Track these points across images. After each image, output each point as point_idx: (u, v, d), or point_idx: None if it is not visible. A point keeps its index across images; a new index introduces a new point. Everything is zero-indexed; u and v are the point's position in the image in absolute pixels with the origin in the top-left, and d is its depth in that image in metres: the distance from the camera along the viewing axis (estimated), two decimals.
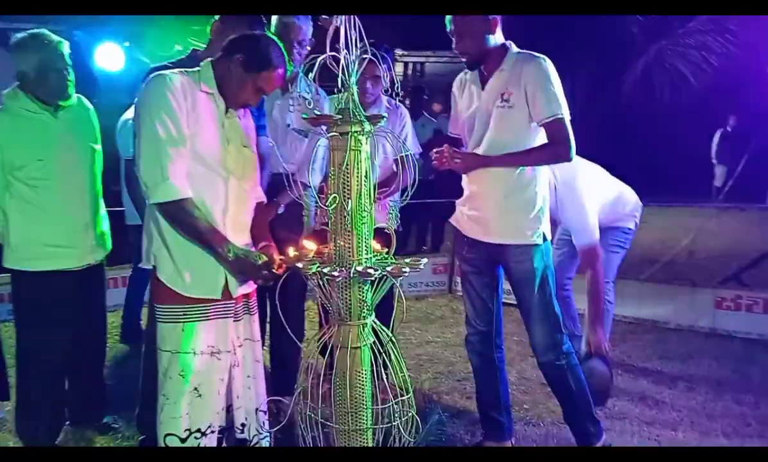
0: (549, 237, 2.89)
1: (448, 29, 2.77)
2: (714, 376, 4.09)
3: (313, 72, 2.20)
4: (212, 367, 2.42)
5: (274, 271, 2.38)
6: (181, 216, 2.32)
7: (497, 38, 2.79)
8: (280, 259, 2.38)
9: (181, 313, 2.39)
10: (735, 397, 3.75)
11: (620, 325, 4.94)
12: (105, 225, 3.14)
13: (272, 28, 3.15)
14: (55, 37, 2.88)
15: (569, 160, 2.77)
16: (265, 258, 2.39)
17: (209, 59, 2.46)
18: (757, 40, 9.91)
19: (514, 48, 2.81)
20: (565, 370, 2.87)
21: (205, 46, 2.95)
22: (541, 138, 2.80)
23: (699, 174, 13.71)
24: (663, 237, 9.60)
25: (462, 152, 2.84)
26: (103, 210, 3.13)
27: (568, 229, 3.93)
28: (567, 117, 2.73)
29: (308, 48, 3.23)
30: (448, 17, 2.75)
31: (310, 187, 2.63)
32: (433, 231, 8.31)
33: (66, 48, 2.91)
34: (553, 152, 2.77)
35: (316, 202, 2.28)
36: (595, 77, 12.37)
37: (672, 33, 13.37)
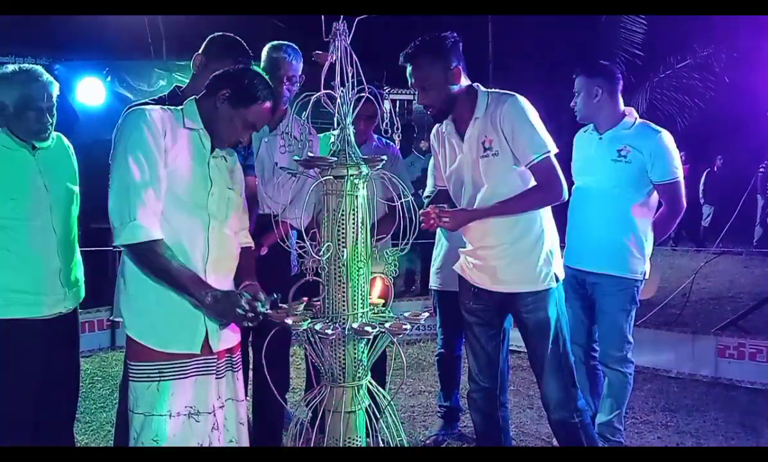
0: (561, 276, 2.69)
1: (409, 83, 2.59)
2: (722, 430, 3.90)
3: (307, 110, 2.03)
4: (189, 430, 2.20)
5: (259, 309, 2.16)
6: (151, 258, 2.12)
7: (462, 84, 2.60)
8: (267, 313, 2.16)
9: (156, 371, 2.17)
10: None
11: None
12: (79, 271, 2.91)
13: (261, 64, 3.01)
14: (46, 77, 2.69)
15: (563, 199, 2.58)
16: (248, 296, 2.18)
17: (192, 97, 2.29)
18: (745, 82, 9.94)
19: (482, 89, 2.62)
20: (578, 428, 2.66)
21: (187, 82, 2.78)
22: None
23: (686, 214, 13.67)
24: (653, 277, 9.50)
25: (449, 210, 2.62)
26: (78, 255, 2.92)
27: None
28: (554, 151, 2.53)
29: (298, 85, 3.09)
30: (408, 71, 2.57)
31: (296, 229, 2.44)
32: (422, 272, 8.11)
33: (55, 89, 2.73)
34: (545, 194, 2.57)
35: (300, 247, 2.08)
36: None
37: (657, 73, 13.43)
